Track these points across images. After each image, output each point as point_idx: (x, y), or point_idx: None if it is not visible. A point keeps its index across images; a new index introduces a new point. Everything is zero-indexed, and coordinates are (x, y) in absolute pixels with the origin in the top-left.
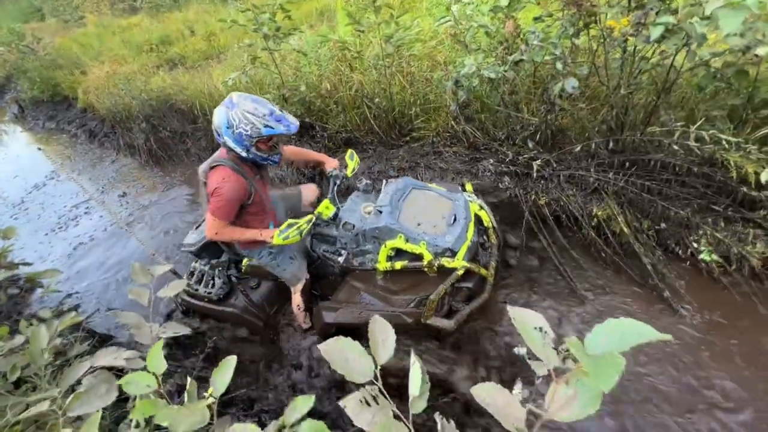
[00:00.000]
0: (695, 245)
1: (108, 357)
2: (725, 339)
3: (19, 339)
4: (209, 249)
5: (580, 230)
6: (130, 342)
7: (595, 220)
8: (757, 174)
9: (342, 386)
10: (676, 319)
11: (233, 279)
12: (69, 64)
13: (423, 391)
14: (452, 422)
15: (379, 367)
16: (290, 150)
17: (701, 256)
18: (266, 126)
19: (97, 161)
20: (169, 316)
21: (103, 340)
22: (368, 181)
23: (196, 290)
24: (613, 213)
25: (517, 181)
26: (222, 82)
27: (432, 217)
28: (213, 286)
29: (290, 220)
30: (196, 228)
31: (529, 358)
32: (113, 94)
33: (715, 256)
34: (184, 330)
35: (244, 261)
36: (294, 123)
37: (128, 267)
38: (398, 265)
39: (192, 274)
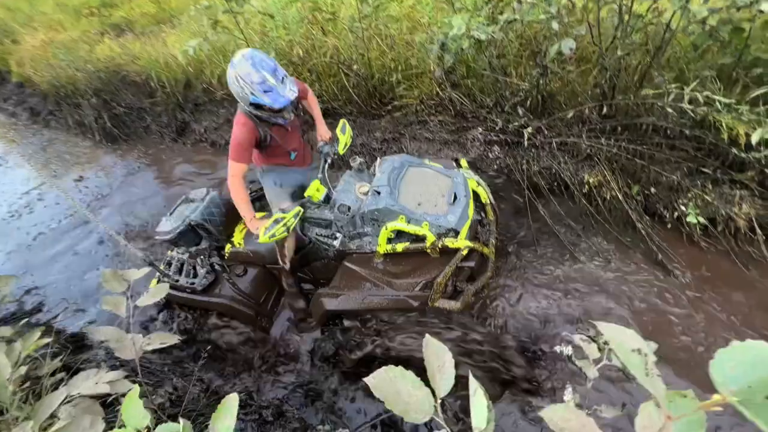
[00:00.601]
0: (683, 208)
1: (88, 383)
2: (713, 295)
3: None
4: (186, 236)
5: (572, 198)
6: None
7: (587, 187)
8: (747, 135)
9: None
10: (671, 279)
11: (216, 267)
12: None
13: (489, 420)
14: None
15: (439, 401)
16: (308, 101)
17: (688, 218)
18: (252, 95)
19: (46, 143)
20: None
21: (76, 345)
22: (362, 160)
23: (177, 281)
24: (606, 179)
25: (508, 150)
26: (181, 50)
27: (432, 196)
28: (195, 276)
29: (276, 215)
30: (170, 214)
31: (575, 359)
32: (53, 65)
33: (701, 218)
34: (171, 339)
35: (227, 247)
36: (284, 97)
37: (94, 257)
38: (400, 247)
39: (169, 264)
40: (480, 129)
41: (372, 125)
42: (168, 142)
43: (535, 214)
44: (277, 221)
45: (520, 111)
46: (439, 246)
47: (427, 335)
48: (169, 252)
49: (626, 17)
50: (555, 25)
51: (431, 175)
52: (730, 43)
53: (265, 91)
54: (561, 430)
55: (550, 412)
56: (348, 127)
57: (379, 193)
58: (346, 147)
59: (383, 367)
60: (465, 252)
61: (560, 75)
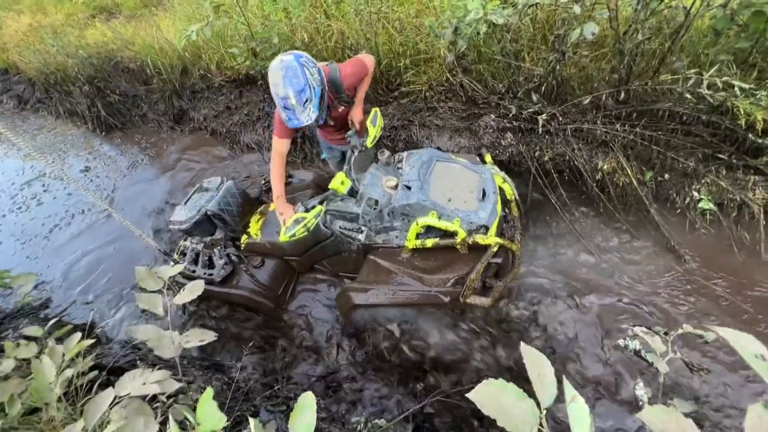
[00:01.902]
0: (695, 194)
1: (135, 383)
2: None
3: (7, 364)
4: (202, 226)
5: (584, 185)
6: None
7: (600, 174)
8: (765, 121)
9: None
10: (682, 264)
11: (233, 258)
12: None
13: (591, 426)
14: None
15: (544, 412)
16: (362, 84)
17: (700, 204)
18: (279, 105)
19: (36, 132)
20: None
21: (97, 339)
22: (389, 153)
23: (194, 272)
24: (620, 165)
25: (521, 137)
26: (184, 36)
27: (461, 192)
28: (212, 266)
29: (297, 215)
30: (185, 203)
31: (643, 352)
32: (41, 51)
33: (711, 204)
34: (209, 336)
35: (243, 238)
36: (298, 120)
37: (109, 250)
38: (429, 243)
39: (183, 254)
40: (492, 115)
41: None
42: (166, 131)
43: (548, 203)
44: (297, 221)
45: (534, 97)
46: (470, 242)
47: (522, 343)
48: (182, 241)
49: (645, 1)
50: (576, 9)
51: (459, 170)
52: (748, 27)
53: (284, 107)
54: None
55: (648, 414)
56: (379, 119)
57: (409, 188)
58: (375, 140)
59: (484, 381)
60: (495, 249)
61: (575, 60)
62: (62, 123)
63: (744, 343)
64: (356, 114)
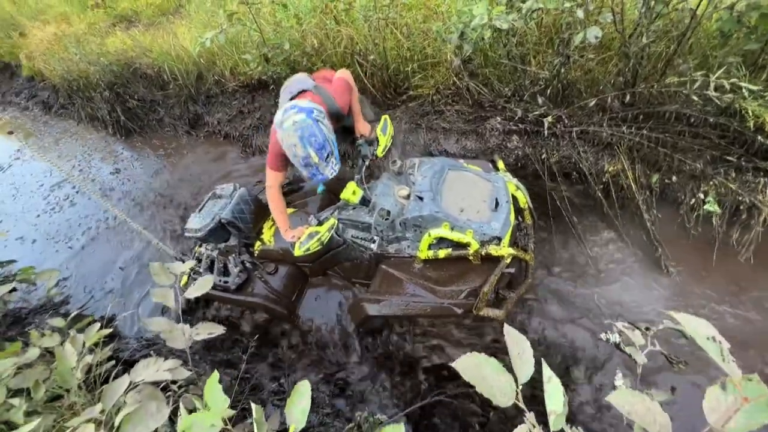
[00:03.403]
0: (702, 196)
1: (149, 370)
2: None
3: (33, 352)
4: (216, 234)
5: (589, 187)
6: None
7: (606, 176)
8: None
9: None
10: (667, 274)
11: (248, 265)
12: (4, 25)
13: (564, 404)
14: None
15: (521, 387)
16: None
17: (706, 206)
18: (299, 164)
19: (59, 135)
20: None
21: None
22: (401, 162)
23: None
24: (624, 168)
25: (527, 140)
26: (198, 43)
27: (474, 202)
28: (227, 273)
29: (311, 229)
30: (199, 211)
31: (623, 346)
32: (65, 59)
33: (716, 207)
34: (218, 329)
35: (256, 245)
36: (323, 176)
37: (135, 250)
38: (442, 253)
39: (199, 260)
40: (498, 118)
41: (388, 116)
42: (182, 134)
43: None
44: (311, 235)
45: (540, 100)
46: (483, 253)
47: (506, 325)
48: (197, 248)
49: (652, 2)
50: (580, 13)
51: (471, 179)
52: (756, 29)
53: (305, 165)
54: (628, 414)
55: (616, 397)
56: (390, 126)
57: (421, 198)
58: (386, 149)
59: (468, 353)
60: (509, 260)
61: (581, 63)
62: (84, 127)
63: (696, 326)
64: (361, 128)
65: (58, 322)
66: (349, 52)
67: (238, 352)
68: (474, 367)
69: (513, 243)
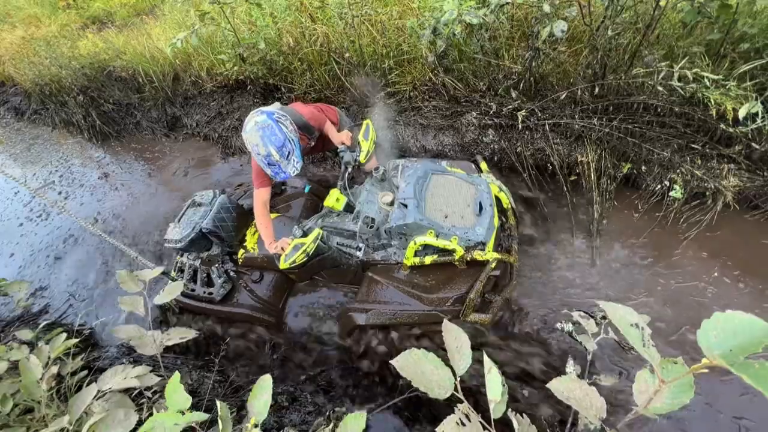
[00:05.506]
0: (667, 183)
1: (117, 378)
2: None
3: (1, 366)
4: (198, 243)
5: (562, 178)
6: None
7: (580, 167)
8: (735, 110)
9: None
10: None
11: (231, 274)
12: None
13: (503, 393)
14: (526, 418)
15: (459, 379)
16: (325, 129)
17: (672, 193)
18: (258, 159)
19: (32, 141)
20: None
21: (88, 344)
22: (384, 169)
23: (193, 290)
24: (590, 159)
25: (502, 134)
26: (169, 44)
27: (458, 207)
28: (211, 284)
29: (296, 241)
30: (178, 220)
31: (576, 334)
32: (35, 63)
33: (680, 193)
34: (190, 334)
35: (240, 253)
36: (285, 173)
37: (102, 257)
38: (428, 260)
39: (181, 270)
40: (474, 113)
41: (365, 113)
42: (160, 137)
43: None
44: (296, 248)
45: (513, 94)
46: (468, 259)
47: (445, 320)
48: (178, 257)
49: None
50: (546, 7)
51: (455, 183)
52: (718, 19)
53: (269, 164)
54: (567, 399)
55: (556, 383)
56: (372, 132)
57: (405, 206)
58: (369, 155)
59: (407, 350)
60: (494, 265)
61: (552, 57)
62: (58, 133)
63: (622, 314)
64: (337, 138)
65: (26, 334)
66: (326, 50)
67: (214, 356)
68: (413, 364)
69: (497, 245)
